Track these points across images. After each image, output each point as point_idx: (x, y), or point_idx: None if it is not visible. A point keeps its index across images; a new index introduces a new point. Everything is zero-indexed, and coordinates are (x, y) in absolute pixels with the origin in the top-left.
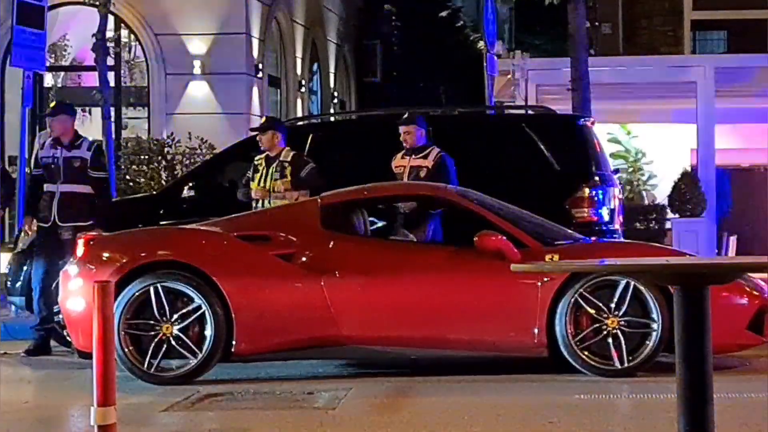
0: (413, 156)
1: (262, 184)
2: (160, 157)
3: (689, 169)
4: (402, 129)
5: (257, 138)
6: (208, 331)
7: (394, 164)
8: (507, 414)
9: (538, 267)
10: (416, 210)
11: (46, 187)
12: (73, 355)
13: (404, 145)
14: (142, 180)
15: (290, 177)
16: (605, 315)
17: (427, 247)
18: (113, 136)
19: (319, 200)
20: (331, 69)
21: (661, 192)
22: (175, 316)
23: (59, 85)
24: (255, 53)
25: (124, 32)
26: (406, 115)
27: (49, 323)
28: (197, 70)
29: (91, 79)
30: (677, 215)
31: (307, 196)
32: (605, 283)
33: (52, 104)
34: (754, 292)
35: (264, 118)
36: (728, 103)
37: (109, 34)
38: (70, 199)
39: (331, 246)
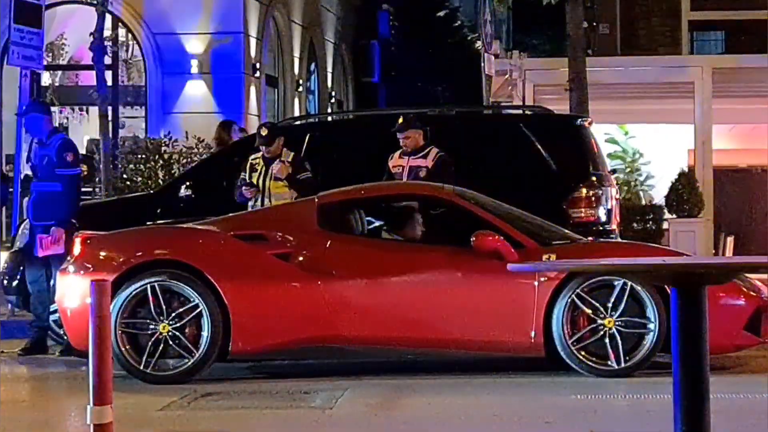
0: (412, 156)
1: (260, 183)
2: (157, 156)
3: (686, 169)
4: (400, 136)
5: (265, 150)
6: (205, 331)
7: (391, 164)
8: (504, 414)
9: (535, 267)
10: (407, 209)
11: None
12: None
13: (405, 150)
14: (140, 179)
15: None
16: (602, 315)
17: (425, 247)
18: (110, 135)
19: (316, 200)
20: (329, 69)
21: (658, 192)
22: (172, 316)
23: (56, 84)
24: (252, 53)
25: (121, 31)
26: (400, 121)
27: (43, 322)
28: (194, 70)
29: (89, 78)
30: (674, 215)
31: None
32: (602, 283)
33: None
34: (752, 293)
35: (265, 130)
36: (726, 103)
37: (107, 33)
38: (41, 198)
39: (328, 246)
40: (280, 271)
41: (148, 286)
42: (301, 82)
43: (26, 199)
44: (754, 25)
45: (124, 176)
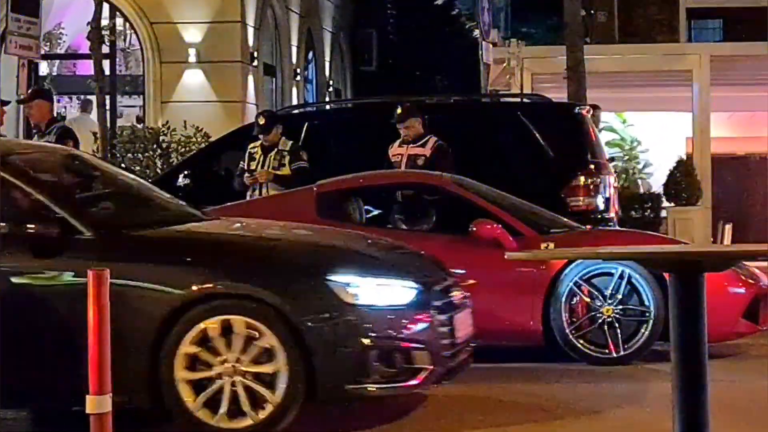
0: (411, 144)
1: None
2: (155, 146)
3: (685, 157)
4: (400, 126)
5: (263, 138)
6: None
7: (390, 152)
8: (504, 402)
9: (533, 255)
10: (417, 200)
11: None
12: None
13: (406, 138)
14: (137, 168)
15: (287, 165)
16: (600, 303)
17: (423, 236)
18: (108, 124)
19: (315, 188)
20: (327, 57)
21: (656, 180)
22: None
23: (54, 74)
24: (250, 41)
25: (119, 20)
26: (399, 111)
27: None
28: (192, 59)
29: (86, 68)
30: (673, 203)
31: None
32: (601, 271)
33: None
34: (750, 281)
35: (263, 119)
36: (724, 91)
37: (104, 22)
38: None
39: None
40: None
41: None
42: (298, 70)
43: None
44: (753, 13)
45: (122, 165)
